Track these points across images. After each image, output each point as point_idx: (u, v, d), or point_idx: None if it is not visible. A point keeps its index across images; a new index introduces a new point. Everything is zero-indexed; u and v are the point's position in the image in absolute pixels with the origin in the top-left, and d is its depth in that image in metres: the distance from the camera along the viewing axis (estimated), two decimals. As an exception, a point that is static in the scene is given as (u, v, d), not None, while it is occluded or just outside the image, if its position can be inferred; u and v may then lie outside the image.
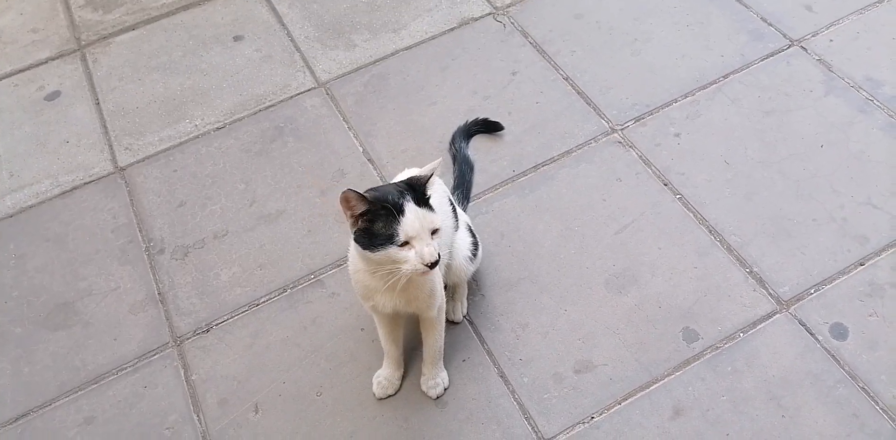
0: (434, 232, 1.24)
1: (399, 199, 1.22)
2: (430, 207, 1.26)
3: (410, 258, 1.21)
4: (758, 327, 1.66)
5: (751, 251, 1.79)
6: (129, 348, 1.80)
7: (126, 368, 1.77)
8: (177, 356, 1.78)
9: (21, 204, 2.12)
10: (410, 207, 1.22)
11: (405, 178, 1.49)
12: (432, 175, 1.28)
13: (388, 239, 1.20)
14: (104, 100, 2.38)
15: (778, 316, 1.68)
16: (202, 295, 1.88)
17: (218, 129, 2.25)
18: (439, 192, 1.53)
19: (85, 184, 2.16)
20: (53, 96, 2.41)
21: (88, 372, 1.77)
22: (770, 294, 1.71)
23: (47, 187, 2.16)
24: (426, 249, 1.21)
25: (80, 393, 1.73)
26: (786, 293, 1.71)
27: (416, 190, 1.25)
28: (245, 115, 2.27)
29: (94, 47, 2.53)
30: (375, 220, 1.22)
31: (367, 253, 1.23)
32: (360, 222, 1.23)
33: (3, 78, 2.46)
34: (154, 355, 1.78)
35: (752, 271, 1.76)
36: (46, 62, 2.49)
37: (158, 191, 2.12)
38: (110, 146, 2.25)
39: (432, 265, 1.21)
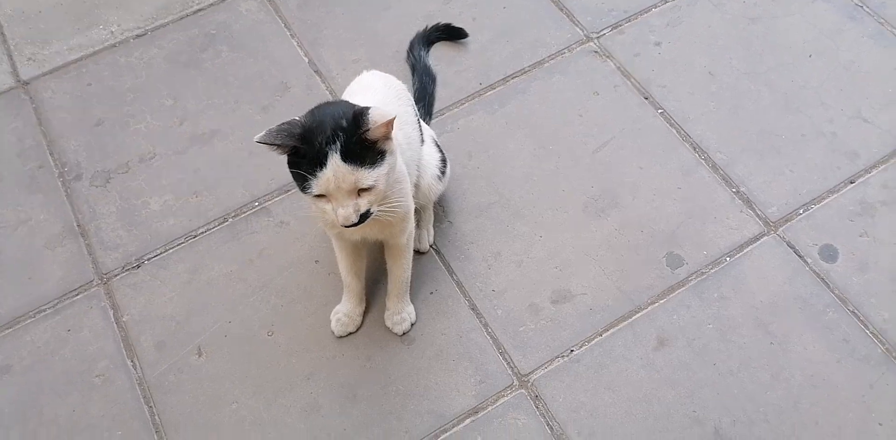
0: (362, 191, 1.07)
1: (325, 144, 1.02)
2: (363, 161, 1.04)
3: (329, 211, 1.09)
4: (745, 251, 1.55)
5: (737, 170, 1.66)
6: (46, 288, 1.58)
7: (45, 310, 1.56)
8: (104, 295, 1.57)
9: None
10: (332, 162, 1.03)
11: (363, 92, 1.27)
12: (376, 129, 1.03)
13: (304, 188, 1.07)
14: (0, 2, 2.03)
15: (766, 238, 1.57)
16: (130, 226, 1.66)
17: (138, 36, 1.96)
18: (401, 97, 1.33)
19: (-19, 100, 1.86)
20: (-63, -1, 2.05)
21: (0, 315, 1.55)
22: (757, 215, 1.60)
23: (-64, 105, 1.85)
24: (340, 211, 1.07)
25: (-9, 339, 1.52)
26: (773, 214, 1.60)
27: (356, 132, 1.03)
28: (169, 20, 1.98)
29: (-17, -62, 2.15)
30: (302, 155, 1.05)
31: (305, 196, 1.10)
32: (290, 156, 1.07)
33: None
34: (77, 295, 1.57)
35: (738, 191, 1.63)
36: (-76, -43, 2.11)
37: (70, 108, 1.84)
38: (10, 57, 1.95)
39: (354, 225, 1.09)
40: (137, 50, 1.93)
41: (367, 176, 1.05)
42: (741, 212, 1.60)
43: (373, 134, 1.04)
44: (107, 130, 1.80)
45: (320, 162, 1.03)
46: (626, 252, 1.56)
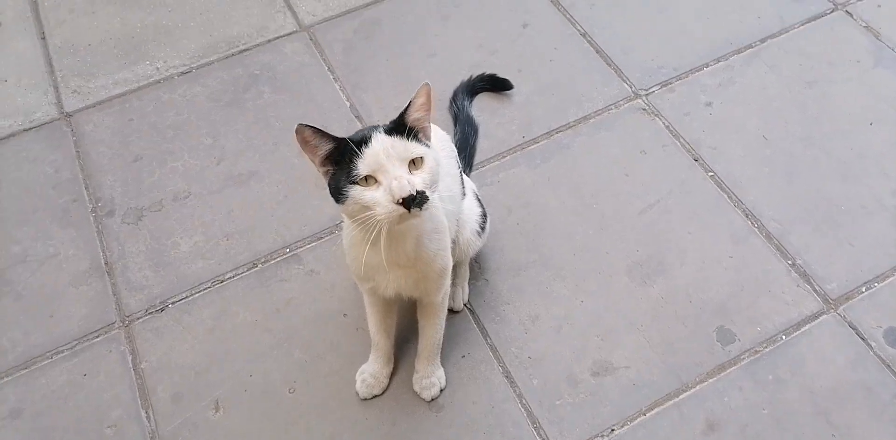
0: (414, 162, 0.99)
1: (369, 132, 1.00)
2: (411, 136, 1.00)
3: (379, 199, 0.96)
4: (802, 329, 1.45)
5: (792, 240, 1.57)
6: (67, 327, 1.54)
7: (63, 351, 1.51)
8: (124, 339, 1.51)
9: (-54, 150, 1.82)
10: (378, 137, 0.98)
11: None
12: (416, 100, 1.02)
13: (349, 177, 0.97)
14: (51, 34, 2.07)
15: (825, 317, 1.47)
16: (157, 266, 1.61)
17: (183, 73, 1.95)
18: (444, 147, 1.27)
19: (24, 130, 1.87)
20: (-8, 27, 2.09)
21: (17, 354, 1.50)
22: (816, 291, 1.50)
23: (-21, 132, 1.86)
24: (395, 183, 0.95)
25: (5, 379, 1.47)
26: (833, 290, 1.50)
27: (397, 122, 1.02)
28: (215, 58, 1.97)
29: (41, -27, 2.19)
30: (342, 160, 0.99)
31: (339, 205, 1.00)
32: (328, 167, 1.01)
33: (-69, 2, 2.11)
34: (97, 337, 1.52)
35: (794, 263, 1.54)
36: (-16, -12, 2.16)
37: (110, 142, 1.83)
38: (56, 88, 1.95)
39: (408, 203, 0.95)
40: (181, 87, 1.92)
41: (416, 146, 0.99)
42: (798, 286, 1.51)
43: (412, 110, 1.01)
44: (144, 167, 1.78)
45: (364, 142, 0.98)
46: (673, 323, 1.47)
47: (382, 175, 0.97)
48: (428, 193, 0.97)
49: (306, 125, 0.97)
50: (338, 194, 0.99)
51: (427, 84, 1.01)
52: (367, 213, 0.97)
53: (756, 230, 1.59)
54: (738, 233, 1.59)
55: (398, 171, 0.96)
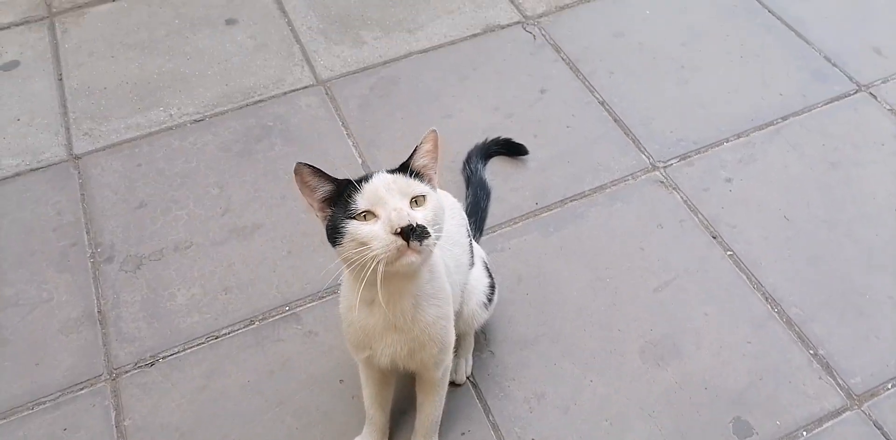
0: (416, 201, 0.96)
1: (371, 173, 0.98)
2: (413, 176, 0.98)
3: (377, 232, 0.91)
4: (824, 425, 1.39)
5: (815, 329, 1.52)
6: (52, 377, 1.48)
7: (45, 403, 1.44)
8: (110, 393, 1.45)
9: (-50, 185, 1.81)
10: (380, 175, 0.97)
11: None
12: (422, 146, 1.00)
13: (346, 212, 0.93)
14: (68, 75, 2.08)
15: (848, 413, 1.40)
16: (151, 318, 1.57)
17: (196, 121, 1.95)
18: (454, 216, 1.23)
19: (31, 170, 1.85)
20: (11, 66, 2.12)
21: (-2, 403, 1.44)
22: (839, 385, 1.44)
23: (-15, 169, 1.84)
24: (393, 213, 0.91)
25: (-18, 429, 1.40)
26: (858, 386, 1.44)
27: (402, 165, 1.01)
28: (229, 108, 1.98)
29: (66, 16, 2.25)
30: (340, 201, 0.95)
31: (337, 249, 0.95)
32: (326, 211, 0.97)
33: (-45, 39, 2.13)
34: (82, 389, 1.46)
35: (816, 354, 1.48)
36: (9, 27, 2.22)
37: (116, 187, 1.81)
38: (67, 129, 1.95)
39: (406, 235, 0.90)
40: (193, 135, 1.92)
41: (419, 184, 0.97)
42: (820, 378, 1.44)
43: (418, 156, 0.99)
44: (148, 213, 1.75)
45: (365, 179, 0.96)
46: (687, 411, 1.40)
47: (381, 208, 0.93)
48: (430, 230, 0.92)
49: (305, 164, 0.95)
50: (334, 234, 0.94)
51: (434, 131, 1.00)
52: (364, 251, 0.91)
53: (776, 315, 1.54)
54: (757, 317, 1.54)
55: (398, 204, 0.93)
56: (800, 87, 1.98)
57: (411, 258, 0.92)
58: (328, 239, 0.97)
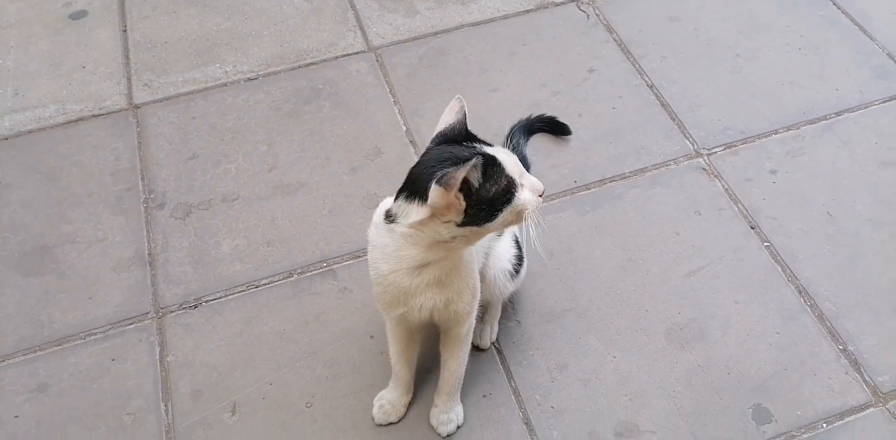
0: None
1: (470, 151, 1.01)
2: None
3: (530, 198, 1.03)
4: (846, 420, 1.40)
5: (847, 325, 1.53)
6: (103, 311, 1.58)
7: (96, 334, 1.55)
8: (155, 330, 1.55)
9: (19, 127, 1.92)
10: (501, 151, 1.04)
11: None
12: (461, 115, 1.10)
13: (509, 190, 1.00)
14: (132, 28, 2.15)
15: (872, 410, 1.42)
16: (197, 264, 1.66)
17: (249, 79, 2.01)
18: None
19: (93, 116, 1.94)
20: (79, 15, 2.20)
21: (53, 330, 1.55)
22: (865, 381, 1.46)
23: (51, 113, 1.95)
24: (533, 180, 1.05)
25: (38, 353, 1.52)
26: (884, 384, 1.45)
27: (460, 137, 1.08)
28: (282, 69, 2.03)
29: (133, -31, 2.29)
30: (479, 186, 0.98)
31: (489, 225, 1.01)
32: (462, 201, 0.98)
33: (28, -14, 2.22)
34: (130, 324, 1.56)
35: (846, 350, 1.50)
36: (79, -23, 2.26)
37: (171, 137, 1.89)
38: (128, 79, 2.03)
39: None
40: (245, 92, 1.98)
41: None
42: (846, 373, 1.46)
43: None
44: (199, 165, 1.83)
45: (488, 158, 1.01)
46: (707, 393, 1.44)
47: (523, 179, 1.03)
48: None
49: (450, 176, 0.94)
50: (491, 210, 0.99)
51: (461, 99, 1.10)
52: (520, 215, 1.02)
53: (808, 309, 1.55)
54: (788, 309, 1.55)
55: (526, 173, 1.05)
56: (858, 83, 1.96)
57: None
58: (476, 220, 0.99)
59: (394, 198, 1.06)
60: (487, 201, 0.99)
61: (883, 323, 1.53)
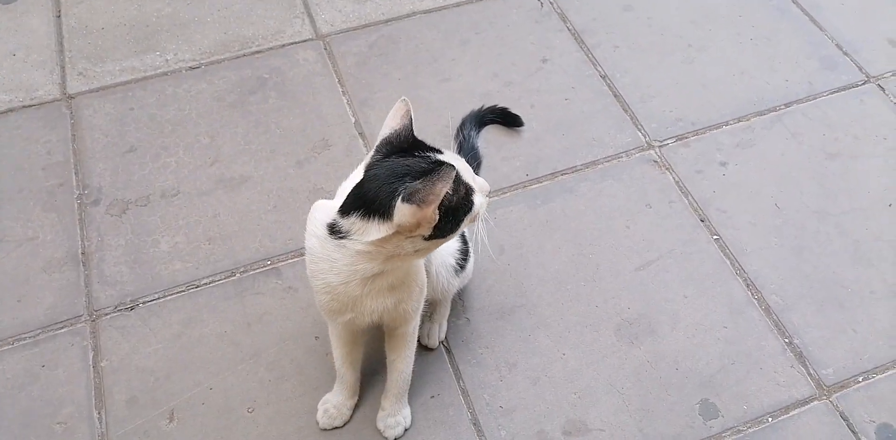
0: None
1: (426, 162, 0.97)
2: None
3: (481, 201, 1.03)
4: (791, 413, 1.41)
5: (793, 318, 1.53)
6: (33, 314, 1.50)
7: (25, 339, 1.47)
8: (88, 333, 1.48)
9: (-57, 119, 1.80)
10: (453, 156, 1.02)
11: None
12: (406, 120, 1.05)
13: (468, 197, 0.99)
14: (67, 13, 2.05)
15: (816, 403, 1.42)
16: (134, 263, 1.58)
17: (192, 68, 1.93)
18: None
19: (23, 107, 1.84)
20: (10, 0, 2.06)
21: (-22, 336, 1.47)
22: (810, 374, 1.46)
23: (-22, 104, 1.83)
24: (480, 179, 1.04)
25: (-38, 360, 1.43)
26: (829, 377, 1.46)
27: (406, 144, 1.03)
28: (226, 57, 1.95)
29: (66, -50, 2.17)
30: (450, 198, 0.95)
31: (452, 235, 1.00)
32: (436, 215, 0.94)
33: (-50, -33, 2.08)
34: (62, 328, 1.49)
35: (791, 343, 1.50)
36: (8, -42, 2.14)
37: (107, 130, 1.80)
38: (62, 68, 1.92)
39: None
40: (187, 82, 1.90)
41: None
42: (791, 367, 1.46)
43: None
44: (137, 158, 1.75)
45: (445, 164, 0.97)
46: (655, 389, 1.43)
47: (472, 182, 1.01)
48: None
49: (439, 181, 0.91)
50: (456, 221, 0.98)
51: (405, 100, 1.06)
52: (474, 217, 1.02)
53: (756, 302, 1.55)
54: (736, 303, 1.55)
55: (473, 174, 1.04)
56: (807, 73, 1.95)
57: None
58: (443, 232, 0.96)
59: (339, 212, 0.99)
60: (453, 211, 0.97)
61: (827, 315, 1.54)
